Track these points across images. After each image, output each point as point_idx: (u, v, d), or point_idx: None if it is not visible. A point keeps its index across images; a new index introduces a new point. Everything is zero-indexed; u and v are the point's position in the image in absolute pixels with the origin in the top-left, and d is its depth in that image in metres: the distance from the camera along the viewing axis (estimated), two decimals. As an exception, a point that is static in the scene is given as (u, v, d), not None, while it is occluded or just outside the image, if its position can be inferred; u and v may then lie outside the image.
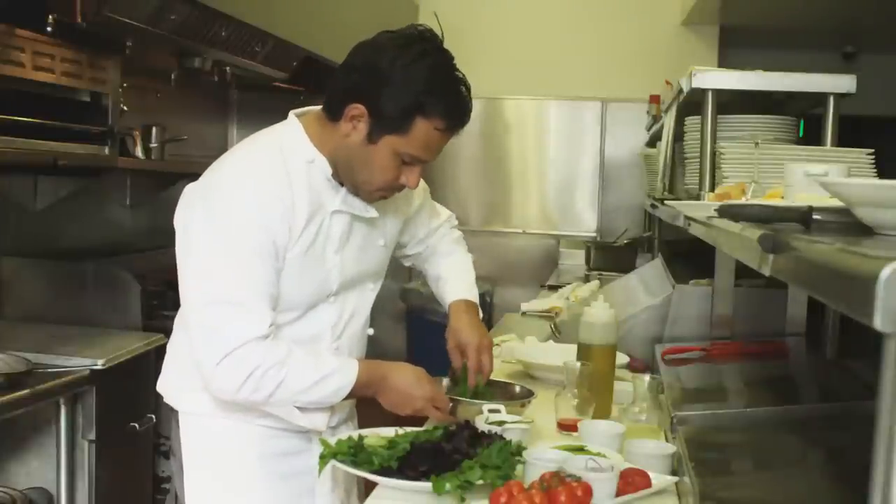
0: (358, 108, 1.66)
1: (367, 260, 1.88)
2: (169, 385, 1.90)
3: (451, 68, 1.70)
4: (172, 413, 1.90)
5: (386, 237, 1.92)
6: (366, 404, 1.88)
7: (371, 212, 1.80)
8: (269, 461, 1.81)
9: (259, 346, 1.63)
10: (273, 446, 1.82)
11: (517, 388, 2.05)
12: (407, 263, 2.20)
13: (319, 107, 1.78)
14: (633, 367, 2.49)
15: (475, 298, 2.07)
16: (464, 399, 1.89)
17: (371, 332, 1.98)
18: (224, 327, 1.63)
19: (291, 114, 1.81)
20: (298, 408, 1.72)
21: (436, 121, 1.66)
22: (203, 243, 1.66)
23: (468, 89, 1.71)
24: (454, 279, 2.10)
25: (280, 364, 1.64)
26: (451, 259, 2.14)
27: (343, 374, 1.71)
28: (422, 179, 1.82)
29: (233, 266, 1.64)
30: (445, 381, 1.97)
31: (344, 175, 1.74)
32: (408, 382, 1.77)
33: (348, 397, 1.75)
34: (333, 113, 1.71)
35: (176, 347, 1.88)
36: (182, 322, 1.84)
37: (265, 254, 1.65)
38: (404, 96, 1.63)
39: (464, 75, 1.72)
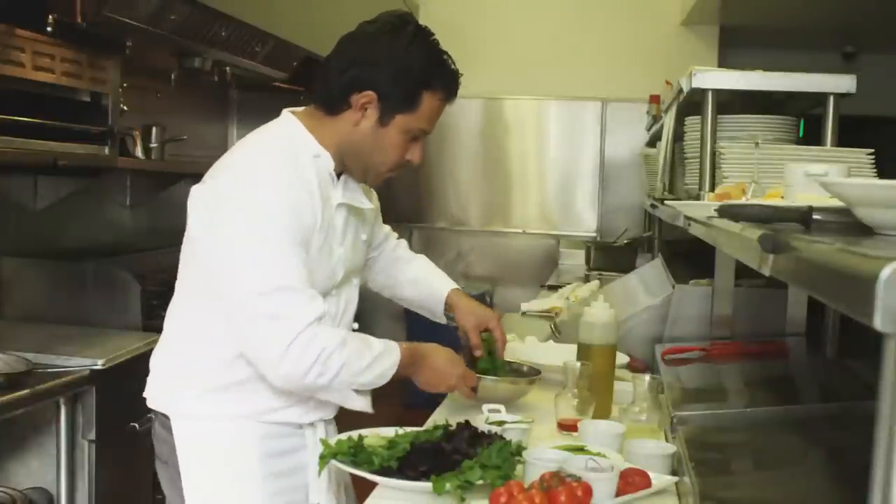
0: (367, 95, 1.75)
1: (358, 255, 1.95)
2: (159, 391, 1.87)
3: (437, 42, 1.83)
4: (156, 419, 1.88)
5: (367, 233, 1.99)
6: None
7: (366, 203, 1.89)
8: (267, 461, 1.82)
9: (319, 328, 1.68)
10: (270, 446, 1.83)
11: (524, 368, 2.19)
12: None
13: (304, 107, 1.86)
14: (633, 367, 2.49)
15: None
16: (486, 377, 2.00)
17: (356, 326, 2.00)
18: (284, 313, 1.65)
19: (287, 111, 1.86)
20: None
21: (439, 92, 1.80)
22: (239, 238, 1.68)
23: (451, 59, 1.85)
24: (434, 275, 2.22)
25: (342, 345, 1.69)
26: (419, 261, 2.25)
27: (390, 354, 1.79)
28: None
29: (276, 254, 1.67)
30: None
31: (353, 163, 1.82)
32: (444, 361, 1.90)
33: (391, 379, 1.81)
34: (332, 107, 1.79)
35: (168, 350, 1.87)
36: (180, 322, 1.84)
37: (300, 241, 1.71)
38: (409, 75, 1.76)
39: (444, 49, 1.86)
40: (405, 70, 1.75)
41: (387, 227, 2.22)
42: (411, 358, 1.83)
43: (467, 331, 2.10)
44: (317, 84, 1.85)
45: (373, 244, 2.12)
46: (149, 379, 1.89)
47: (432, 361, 1.87)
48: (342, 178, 1.84)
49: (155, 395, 1.87)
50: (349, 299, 1.94)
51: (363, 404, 1.79)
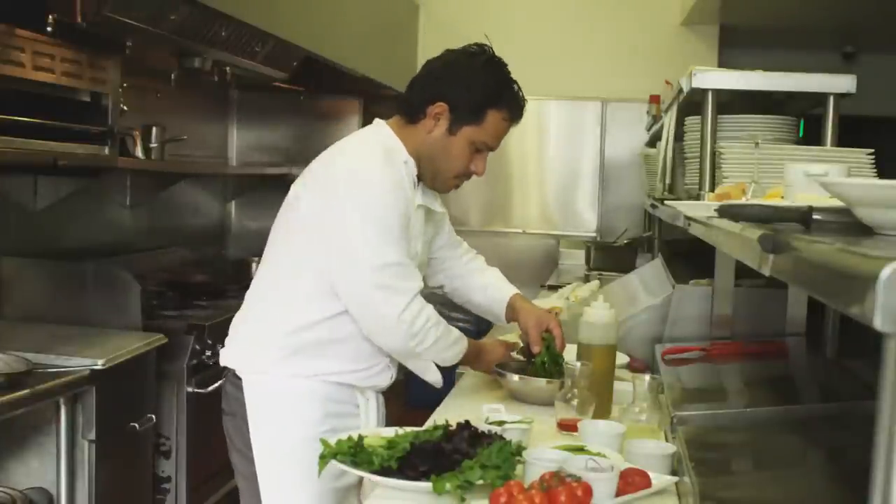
0: (441, 106, 2.03)
1: (426, 252, 2.22)
2: (234, 351, 2.10)
3: (508, 71, 2.11)
4: (227, 378, 2.10)
5: (430, 234, 2.23)
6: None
7: (439, 207, 2.18)
8: (327, 419, 2.02)
9: (422, 300, 1.97)
10: (330, 407, 2.04)
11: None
12: (433, 277, 2.41)
13: (393, 117, 2.12)
14: (633, 367, 2.49)
15: None
16: (512, 376, 2.23)
17: None
18: (396, 285, 1.93)
19: (377, 120, 2.13)
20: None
21: (503, 112, 2.07)
22: (360, 218, 1.93)
23: (520, 89, 2.12)
24: (503, 283, 2.45)
25: (439, 320, 2.01)
26: (492, 272, 2.49)
27: (463, 342, 2.12)
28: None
29: (388, 234, 1.94)
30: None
31: (425, 167, 2.08)
32: (498, 355, 2.29)
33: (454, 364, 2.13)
34: (413, 115, 2.06)
35: (247, 314, 2.11)
36: (264, 293, 2.09)
37: (405, 226, 1.98)
38: (479, 93, 2.04)
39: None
40: (475, 87, 2.03)
41: (460, 239, 2.45)
42: (470, 350, 2.15)
43: (528, 329, 2.29)
44: (401, 97, 2.13)
45: (441, 246, 2.35)
46: (226, 340, 2.13)
47: (488, 355, 2.26)
48: (420, 183, 2.09)
49: (230, 354, 2.10)
50: None
51: (435, 378, 2.08)
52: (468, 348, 2.13)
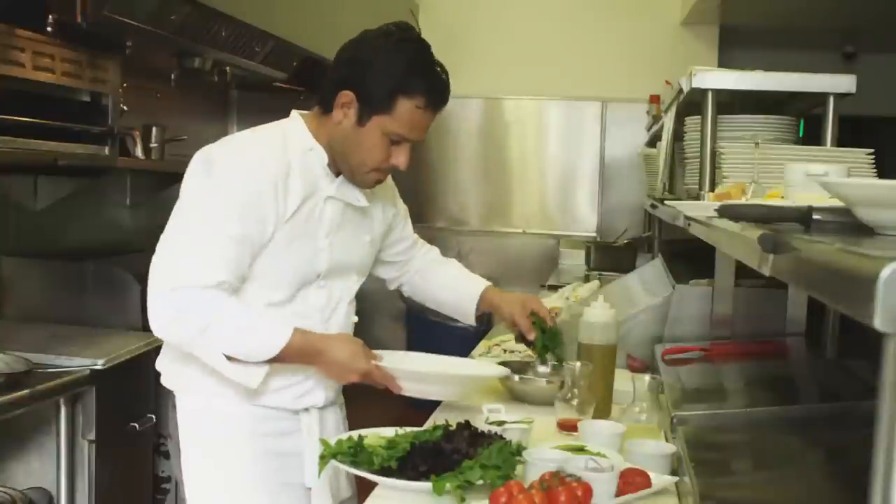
0: (347, 95, 1.82)
1: (355, 251, 1.99)
2: (165, 368, 1.97)
3: (427, 52, 1.86)
4: (169, 395, 1.97)
5: (373, 234, 2.05)
6: (364, 401, 1.91)
7: (362, 201, 1.94)
8: (258, 440, 1.89)
9: (198, 291, 1.72)
10: (263, 427, 1.89)
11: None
12: (394, 281, 2.27)
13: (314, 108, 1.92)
14: (633, 367, 2.49)
15: None
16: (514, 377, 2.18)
17: (356, 319, 2.06)
18: (174, 269, 1.74)
19: (294, 111, 1.95)
20: (230, 359, 1.76)
21: (417, 99, 1.81)
22: (194, 196, 1.79)
23: (445, 71, 1.87)
24: (467, 277, 2.28)
25: (212, 307, 1.73)
26: (451, 265, 2.31)
27: (275, 332, 1.77)
28: (398, 195, 2.13)
29: (211, 221, 1.76)
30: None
31: (340, 161, 1.88)
32: (345, 356, 1.84)
33: (282, 360, 1.79)
34: (326, 105, 1.86)
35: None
36: None
37: (246, 219, 1.76)
38: (387, 78, 1.79)
39: (440, 62, 1.87)
40: (383, 73, 1.79)
41: (415, 235, 2.26)
42: (304, 347, 1.80)
43: (516, 318, 2.15)
44: (319, 84, 1.92)
45: (395, 244, 2.18)
46: (158, 359, 1.99)
47: (331, 356, 1.83)
48: (342, 175, 1.90)
49: (163, 372, 1.97)
50: (342, 295, 1.99)
51: (244, 375, 1.78)
52: (289, 345, 1.77)
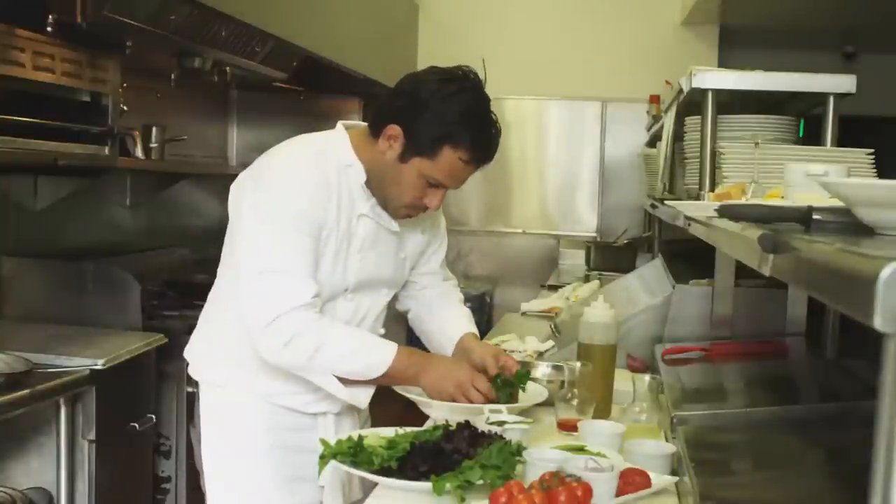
0: (395, 129, 1.84)
1: (386, 267, 2.02)
2: (193, 355, 2.05)
3: (484, 107, 1.86)
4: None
5: (406, 251, 2.07)
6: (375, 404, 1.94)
7: (394, 226, 1.97)
8: (276, 433, 1.95)
9: (302, 312, 1.79)
10: (281, 421, 1.95)
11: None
12: (404, 302, 2.22)
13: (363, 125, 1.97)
14: (633, 367, 2.49)
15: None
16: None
17: (382, 331, 2.09)
18: (272, 294, 1.79)
19: (340, 123, 1.97)
20: (342, 380, 1.84)
21: (461, 152, 1.82)
22: (253, 220, 1.83)
23: (498, 130, 1.88)
24: (462, 322, 2.17)
25: (319, 330, 1.80)
26: (457, 309, 2.21)
27: (383, 350, 1.86)
28: (443, 224, 2.15)
29: (280, 240, 1.80)
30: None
31: (376, 188, 1.91)
32: (448, 366, 1.94)
33: (389, 380, 1.88)
34: (375, 130, 1.89)
35: (206, 320, 2.05)
36: (217, 297, 2.01)
37: (308, 231, 1.82)
38: (436, 125, 1.81)
39: (496, 117, 1.88)
40: (434, 118, 1.80)
41: (447, 272, 2.22)
42: (409, 360, 1.88)
43: (485, 360, 2.02)
44: (374, 107, 1.96)
45: (424, 272, 2.16)
46: (186, 348, 2.07)
47: (436, 367, 1.91)
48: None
49: (190, 356, 2.05)
50: (371, 307, 2.02)
51: (353, 396, 1.89)
52: (397, 358, 1.84)
